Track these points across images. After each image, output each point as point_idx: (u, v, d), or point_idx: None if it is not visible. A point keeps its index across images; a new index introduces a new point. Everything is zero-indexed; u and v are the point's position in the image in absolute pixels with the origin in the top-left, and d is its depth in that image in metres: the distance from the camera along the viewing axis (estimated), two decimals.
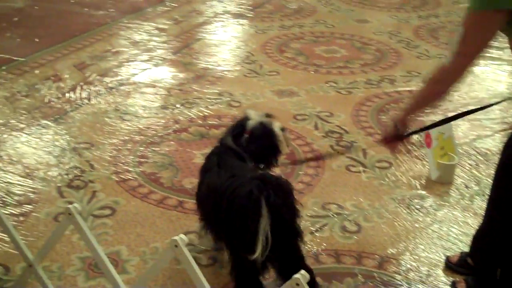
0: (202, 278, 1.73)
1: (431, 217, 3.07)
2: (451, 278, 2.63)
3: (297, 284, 1.56)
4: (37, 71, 4.65)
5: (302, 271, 1.59)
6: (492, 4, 1.92)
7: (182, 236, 1.75)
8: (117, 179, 3.31)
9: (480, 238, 2.51)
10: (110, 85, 4.46)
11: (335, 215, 3.06)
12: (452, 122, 3.19)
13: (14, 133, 3.75)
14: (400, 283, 2.60)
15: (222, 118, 4.02)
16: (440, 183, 3.36)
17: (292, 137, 3.79)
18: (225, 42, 5.46)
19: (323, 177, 3.39)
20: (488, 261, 2.49)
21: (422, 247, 2.84)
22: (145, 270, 2.54)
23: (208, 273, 2.60)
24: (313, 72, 4.85)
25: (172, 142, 3.70)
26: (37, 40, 5.28)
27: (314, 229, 2.93)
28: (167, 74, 4.72)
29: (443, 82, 2.08)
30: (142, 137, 3.75)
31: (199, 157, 3.52)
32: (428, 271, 2.68)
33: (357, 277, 2.62)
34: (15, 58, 4.85)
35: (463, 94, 4.47)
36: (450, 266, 2.68)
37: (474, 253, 2.58)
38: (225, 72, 4.77)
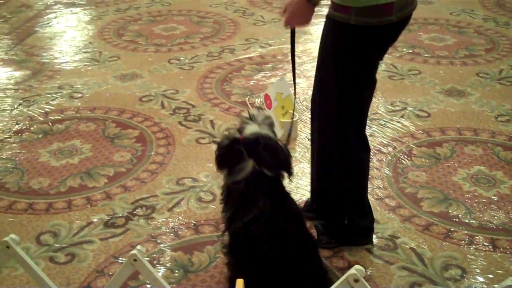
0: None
1: None
2: None
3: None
4: None
5: None
6: None
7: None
8: None
9: (314, 184, 2.68)
10: None
11: (190, 189, 3.11)
12: (288, 81, 3.35)
13: None
14: None
15: (65, 112, 3.90)
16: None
17: (140, 120, 3.78)
18: (60, 33, 5.26)
19: (175, 154, 3.43)
20: (327, 206, 2.64)
21: None
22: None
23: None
24: (154, 52, 4.82)
25: (14, 145, 3.54)
26: None
27: (171, 205, 2.97)
28: (0, 75, 4.47)
29: None
30: None
31: (44, 155, 3.40)
32: None
33: (217, 243, 2.69)
34: None
35: (299, 53, 4.68)
36: None
37: (313, 199, 2.74)
38: (63, 64, 4.61)
